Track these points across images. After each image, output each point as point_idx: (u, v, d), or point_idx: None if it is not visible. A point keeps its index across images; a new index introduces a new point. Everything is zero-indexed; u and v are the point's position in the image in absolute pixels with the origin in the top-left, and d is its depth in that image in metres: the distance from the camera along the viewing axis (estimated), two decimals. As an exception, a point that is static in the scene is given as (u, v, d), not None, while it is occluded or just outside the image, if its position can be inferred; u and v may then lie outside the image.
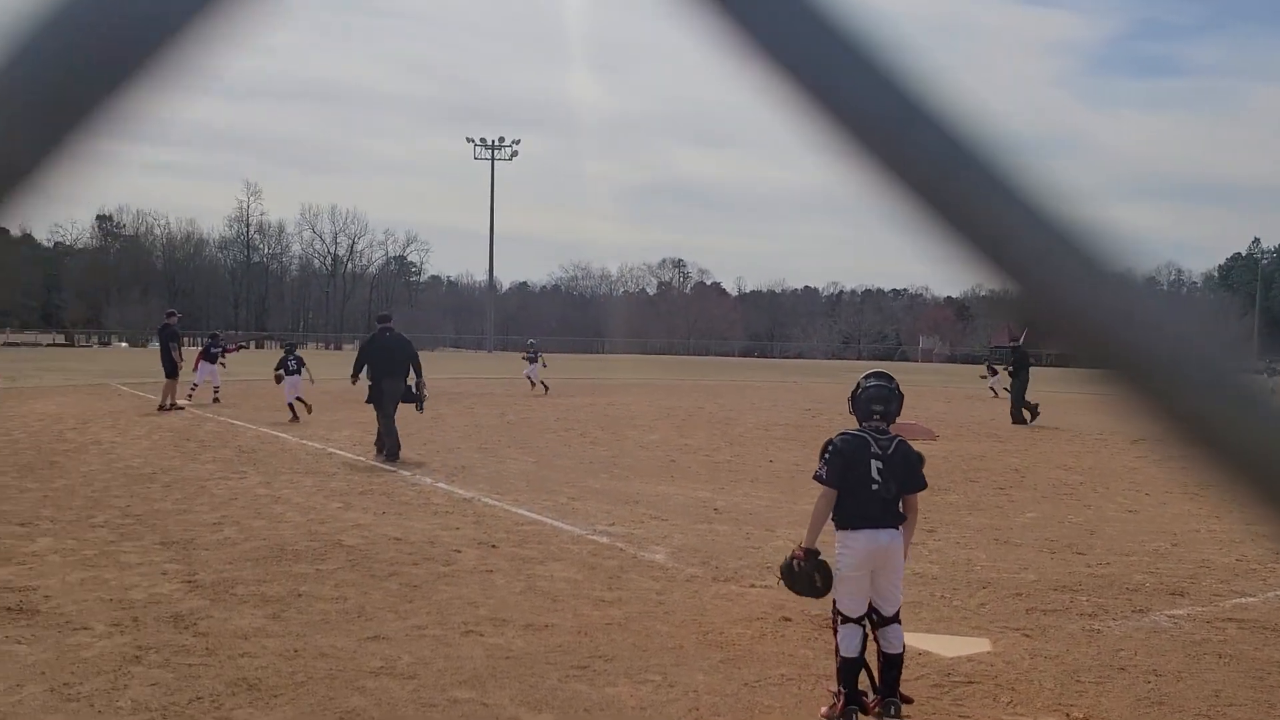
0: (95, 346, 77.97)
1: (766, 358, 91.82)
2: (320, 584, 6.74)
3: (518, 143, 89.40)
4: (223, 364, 22.86)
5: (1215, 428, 0.49)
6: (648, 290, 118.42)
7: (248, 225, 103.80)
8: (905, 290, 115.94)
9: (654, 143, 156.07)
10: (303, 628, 5.76)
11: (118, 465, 12.19)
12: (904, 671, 4.68)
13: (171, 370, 19.78)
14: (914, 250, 0.49)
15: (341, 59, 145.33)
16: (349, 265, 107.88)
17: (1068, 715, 4.74)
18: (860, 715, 4.53)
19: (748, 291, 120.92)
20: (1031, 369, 21.17)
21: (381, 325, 14.17)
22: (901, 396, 4.90)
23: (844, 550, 4.60)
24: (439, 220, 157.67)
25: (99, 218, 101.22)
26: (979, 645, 5.73)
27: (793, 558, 4.69)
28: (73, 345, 77.73)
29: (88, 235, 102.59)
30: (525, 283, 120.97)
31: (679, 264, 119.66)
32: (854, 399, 4.88)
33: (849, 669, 4.55)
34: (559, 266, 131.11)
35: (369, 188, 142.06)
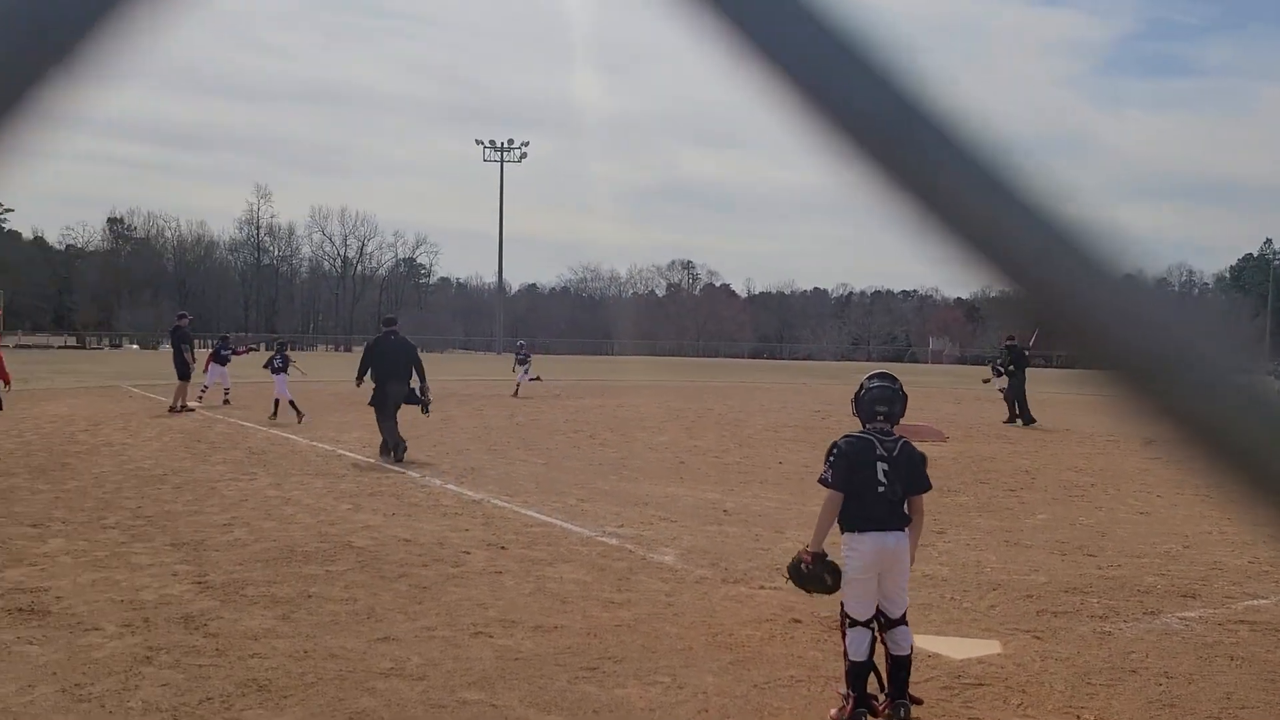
0: (106, 348, 78.29)
1: (776, 359, 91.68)
2: (330, 585, 6.75)
3: (527, 144, 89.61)
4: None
5: (1218, 428, 0.49)
6: (656, 292, 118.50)
7: (258, 227, 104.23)
8: (915, 292, 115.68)
9: (660, 143, 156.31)
10: (313, 629, 5.78)
11: (129, 467, 12.24)
12: (914, 673, 4.66)
13: (184, 372, 19.87)
14: (913, 250, 0.49)
15: (349, 61, 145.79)
16: (359, 267, 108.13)
17: (1078, 717, 4.72)
18: (870, 718, 4.51)
19: (757, 293, 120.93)
20: (1028, 370, 21.08)
21: (386, 328, 14.23)
22: (905, 397, 4.85)
23: (851, 553, 4.58)
24: (448, 222, 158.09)
25: (110, 220, 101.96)
26: (989, 647, 5.71)
27: (800, 561, 4.68)
28: (84, 347, 78.05)
29: (99, 238, 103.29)
30: (534, 284, 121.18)
31: (688, 265, 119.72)
32: (858, 400, 4.84)
33: (858, 672, 4.54)
34: (568, 268, 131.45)
35: (378, 190, 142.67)
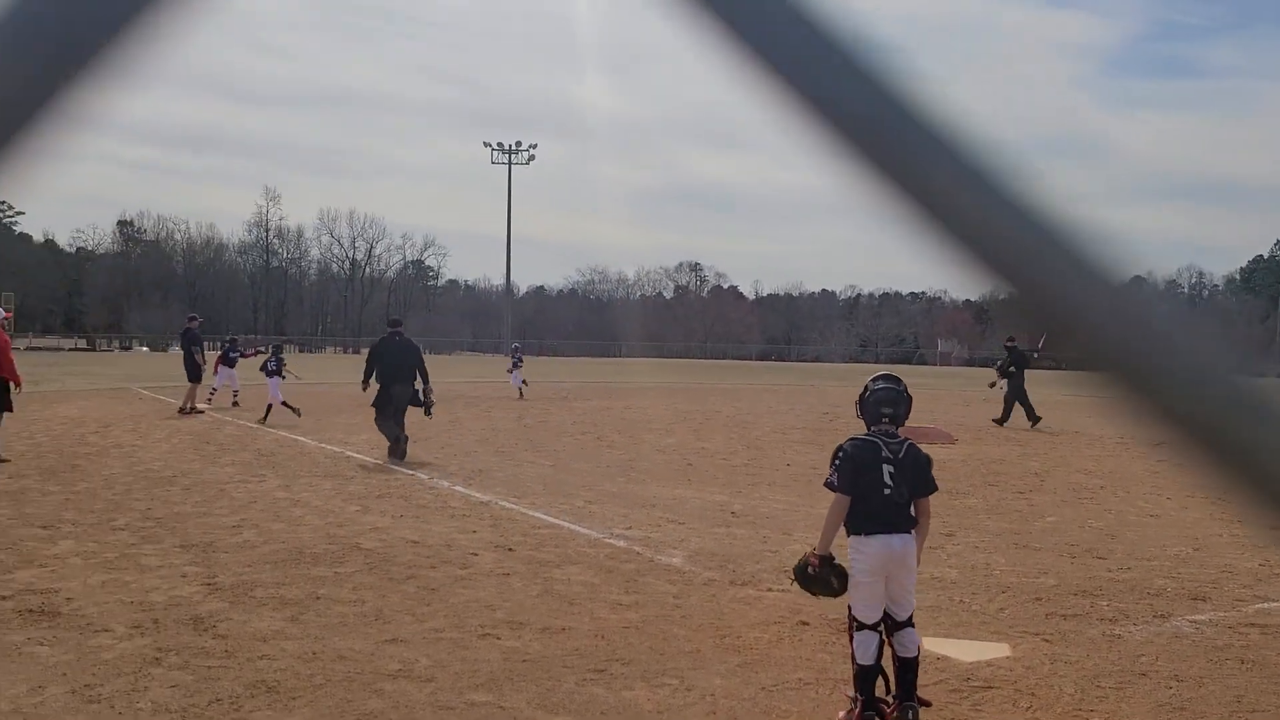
0: (116, 351, 78.55)
1: (784, 361, 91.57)
2: (338, 587, 6.77)
3: (535, 147, 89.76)
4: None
5: (1215, 430, 0.49)
6: (664, 294, 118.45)
7: (267, 230, 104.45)
8: (923, 294, 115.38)
9: (666, 146, 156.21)
10: (321, 630, 5.79)
11: (138, 468, 12.29)
12: (922, 676, 4.65)
13: (195, 374, 19.95)
14: (913, 252, 0.49)
15: (357, 64, 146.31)
16: (367, 269, 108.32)
17: (1088, 721, 4.71)
18: (878, 720, 4.51)
19: (765, 295, 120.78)
20: (1027, 371, 21.00)
21: (392, 330, 14.25)
22: (910, 399, 4.82)
23: (858, 556, 4.56)
24: (456, 224, 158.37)
25: (120, 223, 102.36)
26: (998, 650, 5.69)
27: (807, 564, 4.66)
28: (94, 349, 78.32)
29: (109, 240, 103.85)
30: (542, 286, 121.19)
31: (696, 267, 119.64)
32: (862, 402, 4.81)
33: (866, 676, 4.53)
34: (575, 270, 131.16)
35: (386, 192, 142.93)
